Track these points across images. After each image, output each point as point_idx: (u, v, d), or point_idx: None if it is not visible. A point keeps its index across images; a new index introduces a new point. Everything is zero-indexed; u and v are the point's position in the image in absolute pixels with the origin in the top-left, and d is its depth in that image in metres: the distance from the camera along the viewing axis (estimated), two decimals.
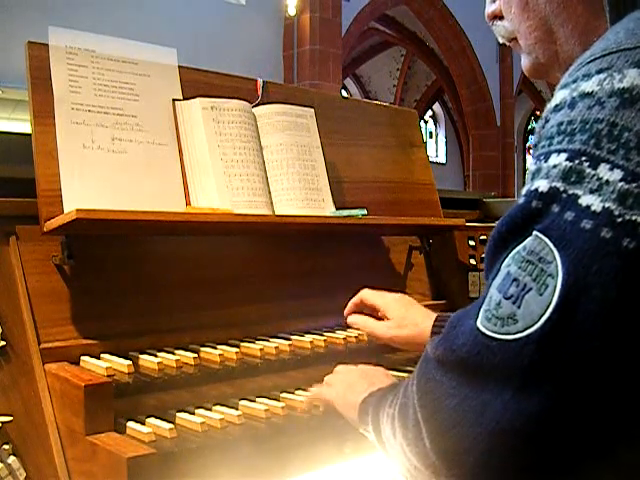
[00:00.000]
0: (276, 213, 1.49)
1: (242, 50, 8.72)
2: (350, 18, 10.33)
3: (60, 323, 1.20)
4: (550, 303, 0.62)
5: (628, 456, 0.64)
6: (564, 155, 0.65)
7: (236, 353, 1.27)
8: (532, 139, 19.75)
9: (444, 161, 18.93)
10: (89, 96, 1.32)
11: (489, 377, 0.64)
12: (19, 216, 1.22)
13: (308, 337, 1.43)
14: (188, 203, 1.39)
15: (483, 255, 2.07)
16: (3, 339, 1.11)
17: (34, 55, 1.28)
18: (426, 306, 1.77)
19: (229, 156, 1.45)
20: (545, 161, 0.67)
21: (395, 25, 14.37)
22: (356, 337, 1.48)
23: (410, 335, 1.34)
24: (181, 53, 1.49)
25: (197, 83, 1.51)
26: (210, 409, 1.17)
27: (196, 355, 1.23)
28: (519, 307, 0.64)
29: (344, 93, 14.34)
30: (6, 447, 1.04)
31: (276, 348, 1.33)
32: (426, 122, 18.83)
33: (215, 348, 1.29)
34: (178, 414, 1.13)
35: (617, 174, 0.62)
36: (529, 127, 20.35)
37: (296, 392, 1.29)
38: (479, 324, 0.67)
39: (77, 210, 1.12)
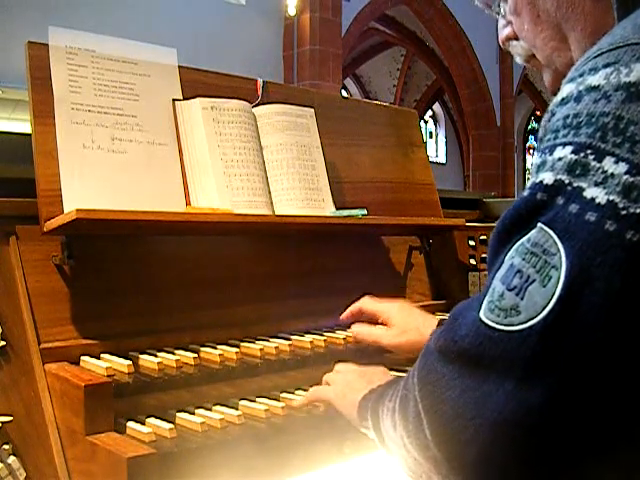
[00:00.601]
0: (276, 213, 1.49)
1: (242, 50, 8.72)
2: (350, 18, 10.33)
3: (60, 323, 1.20)
4: (553, 295, 0.62)
5: (628, 453, 0.64)
6: (569, 148, 0.65)
7: (236, 353, 1.27)
8: (532, 139, 19.79)
9: (444, 161, 18.93)
10: (89, 96, 1.32)
11: (491, 368, 0.64)
12: (19, 216, 1.22)
13: (308, 337, 1.43)
14: (188, 203, 1.39)
15: (483, 255, 2.08)
16: (3, 339, 1.11)
17: (34, 55, 1.28)
18: (426, 306, 1.78)
19: (229, 156, 1.45)
20: (550, 154, 0.67)
21: (395, 25, 14.38)
22: (356, 337, 1.47)
23: (415, 341, 1.35)
24: (181, 53, 1.49)
25: (197, 83, 1.51)
26: (210, 409, 1.17)
27: (196, 355, 1.23)
28: (522, 298, 0.64)
29: (344, 93, 14.33)
30: (6, 447, 1.04)
31: (276, 348, 1.33)
32: (426, 122, 18.83)
33: (215, 348, 1.29)
34: (178, 414, 1.13)
35: (622, 167, 0.62)
36: (529, 127, 20.34)
37: (296, 392, 1.29)
38: (482, 315, 0.67)
39: (77, 210, 1.12)
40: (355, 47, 13.01)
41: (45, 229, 1.19)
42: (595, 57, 0.68)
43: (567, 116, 0.67)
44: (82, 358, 1.18)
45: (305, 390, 1.28)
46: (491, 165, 13.82)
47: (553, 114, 0.70)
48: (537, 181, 0.67)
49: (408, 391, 0.76)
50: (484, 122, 13.70)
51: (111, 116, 1.34)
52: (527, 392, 0.62)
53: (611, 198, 0.62)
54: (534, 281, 0.64)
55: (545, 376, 0.62)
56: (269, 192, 1.50)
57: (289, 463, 1.08)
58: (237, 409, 1.17)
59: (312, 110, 1.65)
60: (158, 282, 1.34)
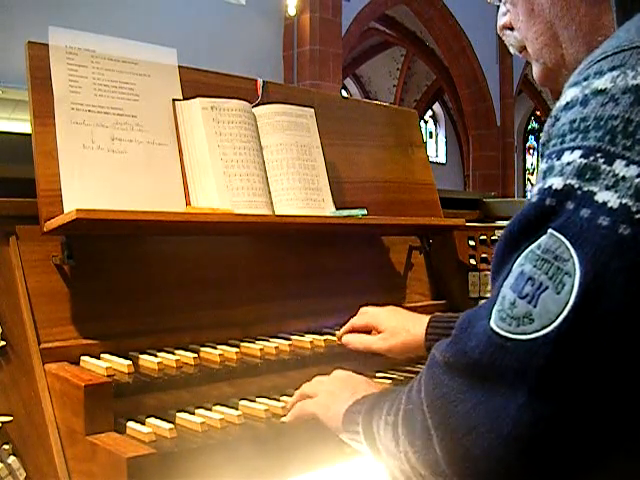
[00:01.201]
0: (276, 213, 1.49)
1: (242, 50, 8.72)
2: (350, 18, 10.33)
3: (60, 323, 1.20)
4: (568, 302, 0.61)
5: (628, 463, 0.63)
6: (578, 152, 0.65)
7: (236, 353, 1.27)
8: (532, 139, 19.78)
9: (444, 161, 18.92)
10: (89, 96, 1.32)
11: (503, 379, 0.63)
12: (19, 216, 1.22)
13: (308, 337, 1.43)
14: (188, 203, 1.39)
15: (483, 255, 2.08)
16: (3, 339, 1.11)
17: (34, 55, 1.28)
18: (426, 306, 1.78)
19: (229, 156, 1.45)
20: (558, 159, 0.66)
21: (395, 25, 14.37)
22: None
23: (405, 342, 1.35)
24: (181, 53, 1.49)
25: (197, 83, 1.51)
26: (210, 409, 1.17)
27: (196, 355, 1.23)
28: (535, 306, 0.63)
29: (344, 93, 14.33)
30: (6, 447, 1.04)
31: (276, 348, 1.33)
32: (426, 122, 18.82)
33: (215, 348, 1.29)
34: (178, 414, 1.13)
35: (633, 170, 0.61)
36: (529, 127, 20.34)
37: (296, 392, 1.29)
38: (493, 324, 0.65)
39: (77, 210, 1.12)
40: (355, 47, 13.00)
41: (45, 229, 1.19)
42: (599, 60, 0.68)
43: (574, 120, 0.66)
44: (82, 358, 1.18)
45: None
46: (491, 165, 13.81)
47: (557, 119, 0.69)
48: (545, 186, 0.66)
49: (414, 405, 0.74)
50: (484, 122, 13.69)
51: (111, 116, 1.34)
52: (541, 403, 0.61)
53: (624, 201, 0.61)
54: (547, 288, 0.62)
55: (560, 386, 0.60)
56: (269, 192, 1.50)
57: (289, 463, 1.08)
58: (237, 409, 1.17)
59: (312, 110, 1.65)
60: (158, 282, 1.34)
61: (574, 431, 0.61)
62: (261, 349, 1.31)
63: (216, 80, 1.56)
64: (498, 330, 0.64)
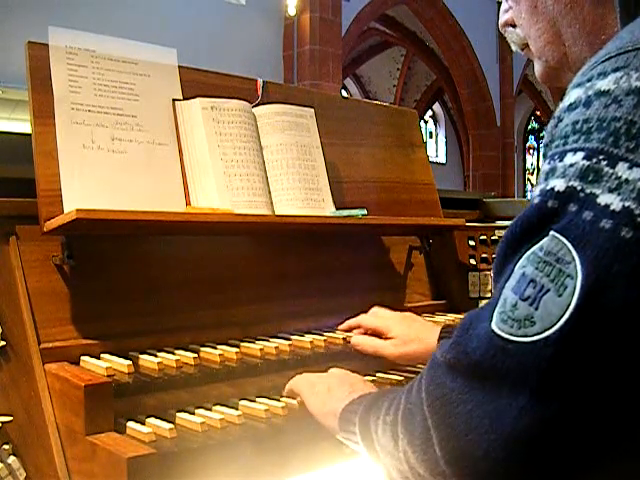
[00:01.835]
0: (276, 213, 1.49)
1: (242, 50, 8.72)
2: (350, 18, 10.33)
3: (60, 323, 1.20)
4: (569, 304, 0.60)
5: (627, 463, 0.63)
6: (581, 154, 0.64)
7: (236, 353, 1.27)
8: (532, 139, 19.78)
9: (444, 161, 18.93)
10: (89, 96, 1.32)
11: (504, 381, 0.63)
12: (19, 216, 1.22)
13: (308, 337, 1.43)
14: (188, 203, 1.39)
15: (483, 255, 2.08)
16: (3, 339, 1.11)
17: (34, 55, 1.28)
18: (426, 306, 1.78)
19: (229, 156, 1.45)
20: (560, 160, 0.66)
21: (395, 25, 14.38)
22: None
23: (417, 351, 1.35)
24: (181, 53, 1.49)
25: (197, 83, 1.51)
26: (210, 409, 1.17)
27: (196, 355, 1.23)
28: (537, 308, 0.62)
29: (344, 93, 14.33)
30: (6, 447, 1.04)
31: (276, 348, 1.33)
32: (426, 122, 18.83)
33: (215, 348, 1.29)
34: (178, 414, 1.13)
35: (636, 173, 0.61)
36: (529, 127, 20.34)
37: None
38: (494, 326, 0.65)
39: (77, 210, 1.12)
40: (355, 47, 13.01)
41: (45, 229, 1.19)
42: (603, 61, 0.67)
43: (576, 122, 0.66)
44: (82, 358, 1.18)
45: None
46: (491, 165, 13.82)
47: (560, 120, 0.69)
48: (548, 188, 0.65)
49: (414, 405, 0.74)
50: (484, 122, 13.70)
51: (111, 116, 1.34)
52: (542, 405, 0.61)
53: (626, 204, 0.60)
54: (549, 290, 0.62)
55: (562, 388, 0.60)
56: (269, 192, 1.50)
57: (289, 463, 1.08)
58: (237, 409, 1.16)
59: (312, 110, 1.65)
60: (158, 282, 1.34)
61: (574, 432, 0.60)
62: (261, 349, 1.31)
63: (216, 80, 1.56)
64: (499, 332, 0.64)
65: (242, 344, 1.34)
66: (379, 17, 12.44)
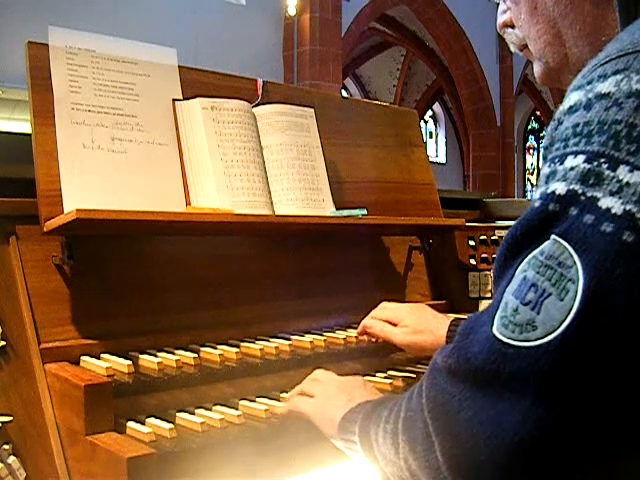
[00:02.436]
0: (276, 213, 1.49)
1: (242, 50, 8.72)
2: (350, 18, 10.33)
3: (60, 323, 1.20)
4: (571, 309, 0.60)
5: (628, 467, 0.63)
6: (582, 157, 0.64)
7: (236, 353, 1.27)
8: (532, 139, 19.77)
9: (444, 161, 18.93)
10: (89, 96, 1.32)
11: (506, 386, 0.62)
12: (19, 216, 1.22)
13: (308, 337, 1.43)
14: (188, 203, 1.39)
15: (483, 255, 2.08)
16: (3, 339, 1.11)
17: (34, 55, 1.28)
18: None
19: (229, 156, 1.45)
20: (561, 163, 0.65)
21: (395, 25, 14.37)
22: (356, 337, 1.48)
23: (427, 341, 1.36)
24: (181, 53, 1.49)
25: (197, 83, 1.51)
26: (210, 409, 1.17)
27: (196, 355, 1.23)
28: (538, 313, 0.62)
29: (344, 93, 14.34)
30: (6, 447, 1.04)
31: (276, 348, 1.33)
32: (426, 122, 18.82)
33: (215, 348, 1.29)
34: (178, 414, 1.13)
35: (637, 176, 0.61)
36: (529, 127, 20.34)
37: (295, 388, 1.29)
38: (495, 331, 0.65)
39: (77, 210, 1.12)
40: (355, 47, 13.00)
41: (45, 229, 1.19)
42: (603, 64, 0.67)
43: (577, 124, 0.66)
44: (82, 358, 1.18)
45: None
46: (491, 165, 13.82)
47: (560, 122, 0.69)
48: (548, 191, 0.65)
49: (414, 412, 0.74)
50: (484, 122, 13.70)
51: (111, 116, 1.34)
52: (544, 410, 0.60)
53: (628, 208, 0.60)
54: (550, 295, 0.62)
55: (564, 393, 0.60)
56: (269, 192, 1.50)
57: (289, 463, 1.08)
58: (237, 409, 1.16)
59: (312, 110, 1.65)
60: (158, 282, 1.34)
61: (576, 437, 0.60)
62: (261, 349, 1.31)
63: (216, 80, 1.56)
64: (501, 337, 0.64)
65: (242, 344, 1.34)
66: (379, 17, 12.43)
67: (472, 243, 1.99)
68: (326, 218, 1.56)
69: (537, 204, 0.66)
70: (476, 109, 13.69)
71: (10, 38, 6.46)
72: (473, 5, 12.23)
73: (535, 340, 0.61)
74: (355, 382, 1.14)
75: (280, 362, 1.31)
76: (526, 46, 0.92)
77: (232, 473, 1.05)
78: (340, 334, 1.48)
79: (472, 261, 1.97)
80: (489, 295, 1.93)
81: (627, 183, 0.61)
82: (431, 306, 1.48)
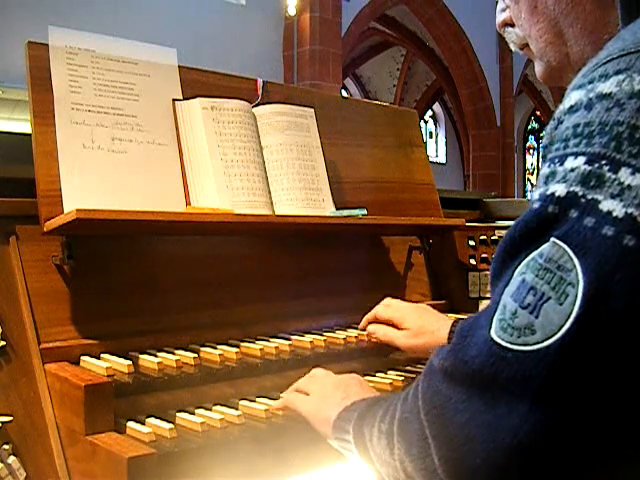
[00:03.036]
0: (276, 213, 1.49)
1: (242, 50, 8.72)
2: (350, 18, 10.33)
3: (60, 323, 1.20)
4: (571, 313, 0.59)
5: (627, 471, 0.62)
6: (582, 158, 0.63)
7: (236, 353, 1.27)
8: (532, 139, 19.78)
9: (444, 161, 18.93)
10: (89, 96, 1.32)
11: (504, 390, 0.61)
12: (19, 216, 1.22)
13: (308, 337, 1.43)
14: (188, 203, 1.39)
15: (483, 255, 2.08)
16: (3, 339, 1.11)
17: (34, 55, 1.28)
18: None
19: (229, 156, 1.45)
20: (560, 164, 0.65)
21: (395, 25, 14.38)
22: (356, 337, 1.48)
23: (428, 343, 1.36)
24: (181, 53, 1.49)
25: (197, 83, 1.51)
26: (210, 409, 1.17)
27: (196, 355, 1.23)
28: (537, 317, 0.61)
29: (344, 93, 14.34)
30: (6, 447, 1.04)
31: (276, 348, 1.33)
32: (426, 122, 18.83)
33: (215, 348, 1.29)
34: (178, 414, 1.13)
35: (639, 179, 0.60)
36: (529, 127, 20.34)
37: (291, 387, 1.29)
38: (493, 334, 0.64)
39: (77, 210, 1.12)
40: (355, 47, 13.00)
41: (45, 229, 1.19)
42: (604, 63, 0.66)
43: (577, 125, 0.65)
44: (82, 358, 1.18)
45: None
46: (491, 165, 13.82)
47: (560, 122, 0.68)
48: (548, 193, 0.64)
49: (410, 413, 0.73)
50: (484, 122, 13.70)
51: (111, 116, 1.34)
52: (543, 414, 0.59)
53: (629, 211, 0.59)
54: (549, 299, 0.61)
55: (562, 397, 0.59)
56: (269, 192, 1.50)
57: (289, 463, 1.08)
58: (237, 409, 1.16)
59: (312, 110, 1.65)
60: (158, 282, 1.34)
61: (575, 441, 0.60)
62: (261, 349, 1.31)
63: (216, 80, 1.56)
64: (499, 340, 0.63)
65: (242, 344, 1.34)
66: (379, 17, 12.44)
67: (472, 243, 1.99)
68: (326, 218, 1.56)
69: (536, 205, 0.65)
70: (476, 109, 13.69)
71: (10, 38, 6.47)
72: (473, 5, 12.22)
73: (534, 344, 0.61)
74: (351, 380, 1.13)
75: (280, 362, 1.31)
76: (527, 45, 0.91)
77: (232, 473, 1.05)
78: (340, 334, 1.48)
79: (472, 261, 1.97)
80: (489, 295, 1.92)
81: (629, 186, 0.60)
82: (431, 306, 1.49)
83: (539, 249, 0.63)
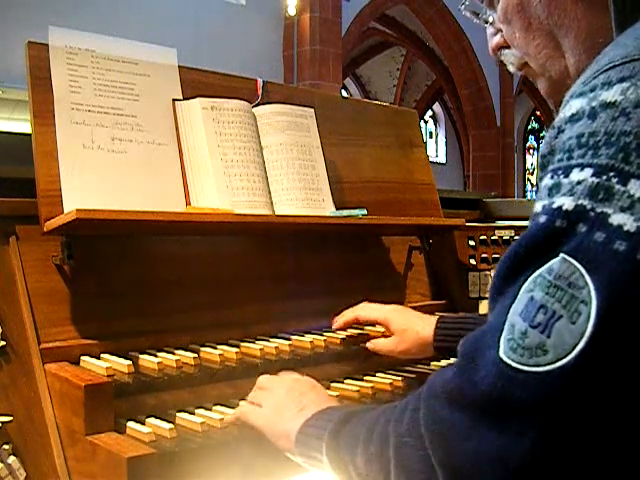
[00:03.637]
0: (276, 213, 1.49)
1: (242, 50, 8.72)
2: (350, 18, 10.33)
3: (60, 323, 1.20)
4: (584, 332, 0.57)
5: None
6: (589, 170, 0.60)
7: (236, 353, 1.27)
8: (532, 139, 19.77)
9: (444, 161, 18.94)
10: (89, 96, 1.32)
11: (514, 413, 0.59)
12: (19, 216, 1.22)
13: (308, 337, 1.43)
14: (188, 203, 1.39)
15: (483, 255, 2.08)
16: (3, 339, 1.11)
17: (34, 55, 1.28)
18: (426, 306, 1.78)
19: (229, 156, 1.45)
20: (565, 176, 0.62)
21: (395, 25, 14.38)
22: (356, 337, 1.48)
23: (415, 344, 1.37)
24: (181, 53, 1.49)
25: (197, 83, 1.51)
26: (210, 409, 1.17)
27: (196, 355, 1.23)
28: (549, 336, 0.59)
29: (344, 93, 14.34)
30: (6, 447, 1.04)
31: (276, 348, 1.33)
32: (426, 122, 18.83)
33: (215, 348, 1.29)
34: (178, 414, 1.13)
35: None
36: (529, 127, 20.35)
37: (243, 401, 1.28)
38: (502, 355, 0.61)
39: (77, 210, 1.12)
40: (355, 47, 13.01)
41: (45, 229, 1.19)
42: (606, 70, 0.64)
43: (581, 135, 0.62)
44: (82, 358, 1.18)
45: None
46: (491, 165, 13.82)
47: (561, 130, 0.65)
48: (554, 206, 0.62)
49: (411, 438, 0.70)
50: (484, 122, 13.71)
51: (111, 116, 1.34)
52: (556, 440, 0.57)
53: None
54: (561, 317, 0.59)
55: (576, 421, 0.57)
56: (269, 192, 1.50)
57: (289, 463, 1.08)
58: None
59: (312, 110, 1.65)
60: (158, 282, 1.34)
61: (590, 466, 0.58)
62: (261, 349, 1.31)
63: (216, 80, 1.56)
64: (509, 361, 0.60)
65: (242, 344, 1.34)
66: (379, 17, 12.44)
67: (472, 243, 1.99)
68: (326, 218, 1.56)
69: (542, 219, 0.62)
70: (476, 109, 13.69)
71: (10, 38, 6.47)
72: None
73: (546, 365, 0.58)
74: (303, 387, 1.09)
75: (280, 362, 1.31)
76: (526, 64, 0.89)
77: (232, 473, 1.05)
78: (340, 334, 1.48)
79: (472, 261, 1.97)
80: (488, 295, 1.92)
81: (639, 199, 0.58)
82: (431, 306, 1.49)
83: (547, 265, 0.61)
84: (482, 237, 2.00)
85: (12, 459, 1.03)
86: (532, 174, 19.95)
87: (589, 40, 0.79)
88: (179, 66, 1.48)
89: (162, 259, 1.37)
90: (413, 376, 1.45)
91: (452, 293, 1.91)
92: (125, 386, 1.09)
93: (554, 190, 0.63)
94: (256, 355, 1.30)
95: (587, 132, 0.62)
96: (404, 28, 14.51)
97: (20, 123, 7.72)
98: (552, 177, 0.64)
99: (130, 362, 1.15)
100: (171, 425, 1.06)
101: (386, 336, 1.42)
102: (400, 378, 1.42)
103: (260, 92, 1.62)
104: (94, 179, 1.27)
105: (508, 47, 0.90)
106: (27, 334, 1.14)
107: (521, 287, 0.63)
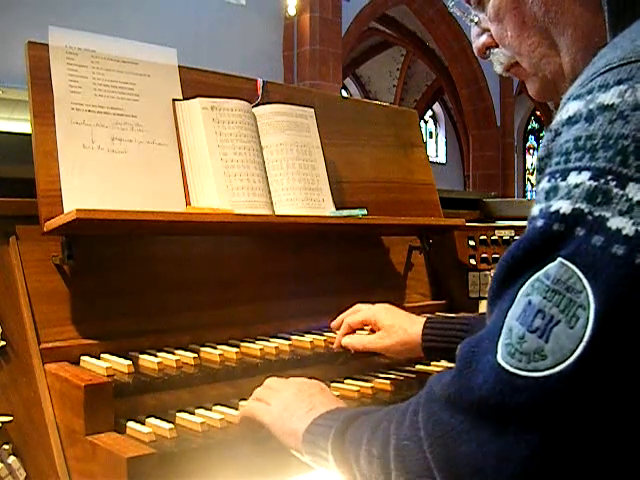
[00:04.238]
0: (276, 213, 1.49)
1: (242, 50, 8.72)
2: (350, 18, 10.33)
3: (60, 323, 1.20)
4: (583, 337, 0.57)
5: None
6: (587, 173, 0.60)
7: (236, 353, 1.27)
8: (532, 139, 19.78)
9: (444, 161, 18.93)
10: (89, 96, 1.32)
11: (512, 418, 0.59)
12: (19, 216, 1.22)
13: (308, 337, 1.43)
14: (188, 203, 1.39)
15: (483, 255, 2.08)
16: (3, 339, 1.11)
17: (34, 55, 1.28)
18: (426, 306, 1.78)
19: (229, 156, 1.45)
20: (563, 179, 0.62)
21: (395, 25, 14.38)
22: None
23: (402, 341, 1.35)
24: (181, 53, 1.49)
25: (197, 83, 1.51)
26: (210, 409, 1.17)
27: (196, 355, 1.23)
28: (547, 341, 0.59)
29: (344, 93, 14.34)
30: (6, 447, 1.04)
31: (276, 348, 1.33)
32: (426, 122, 18.82)
33: (215, 348, 1.29)
34: (178, 414, 1.13)
35: None
36: (529, 127, 20.34)
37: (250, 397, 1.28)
38: (500, 360, 0.61)
39: (77, 210, 1.12)
40: (355, 47, 13.00)
41: (45, 229, 1.19)
42: (603, 72, 0.63)
43: (578, 138, 0.62)
44: (82, 358, 1.18)
45: None
46: (491, 165, 13.82)
47: (558, 133, 0.65)
48: (552, 210, 0.61)
49: (410, 441, 0.70)
50: (484, 122, 13.70)
51: (111, 116, 1.34)
52: (555, 444, 0.57)
53: None
54: (559, 322, 0.58)
55: (575, 425, 0.57)
56: (269, 192, 1.50)
57: (289, 463, 1.08)
58: (237, 409, 1.16)
59: (312, 110, 1.65)
60: (158, 282, 1.34)
61: (589, 470, 0.58)
62: (261, 349, 1.31)
63: (216, 80, 1.56)
64: (507, 366, 0.60)
65: (242, 344, 1.34)
66: (379, 17, 12.44)
67: (472, 243, 1.99)
68: (326, 218, 1.56)
69: (540, 223, 0.62)
70: (476, 109, 13.69)
71: (10, 38, 6.46)
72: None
73: (544, 370, 0.58)
74: (312, 388, 1.09)
75: (280, 362, 1.31)
76: (515, 64, 0.88)
77: (232, 473, 1.05)
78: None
79: (472, 261, 1.97)
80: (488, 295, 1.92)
81: (638, 202, 0.57)
82: (431, 306, 1.49)
83: (544, 269, 0.61)
84: (482, 237, 2.00)
85: (12, 459, 1.03)
86: (532, 174, 19.94)
87: (585, 39, 0.78)
88: (179, 66, 1.48)
89: (162, 259, 1.37)
90: (413, 376, 1.45)
91: (452, 293, 1.91)
92: (125, 386, 1.09)
93: (551, 193, 0.63)
94: (256, 355, 1.30)
95: (584, 135, 0.62)
96: (404, 28, 14.51)
97: (20, 123, 7.72)
98: (549, 180, 0.64)
99: (130, 362, 1.15)
100: (171, 425, 1.06)
101: (373, 331, 1.41)
102: (400, 378, 1.42)
103: (260, 92, 1.62)
104: (94, 179, 1.27)
105: (497, 46, 0.89)
106: (27, 334, 1.14)
107: (519, 291, 0.63)
